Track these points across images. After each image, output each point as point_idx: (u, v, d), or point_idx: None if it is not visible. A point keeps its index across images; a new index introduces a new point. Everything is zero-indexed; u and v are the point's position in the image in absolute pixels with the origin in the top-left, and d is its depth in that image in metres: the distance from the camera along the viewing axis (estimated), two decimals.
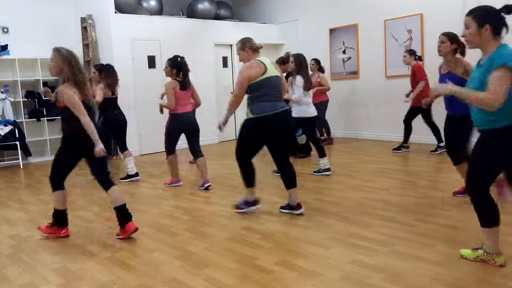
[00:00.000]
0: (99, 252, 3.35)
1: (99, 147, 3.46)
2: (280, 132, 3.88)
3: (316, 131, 5.73)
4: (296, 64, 5.40)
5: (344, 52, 9.00)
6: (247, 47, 3.93)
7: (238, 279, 2.76)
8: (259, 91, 3.79)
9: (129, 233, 3.60)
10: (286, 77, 6.01)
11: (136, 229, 3.61)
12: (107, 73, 5.76)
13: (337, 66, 9.12)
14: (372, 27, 8.39)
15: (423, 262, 2.86)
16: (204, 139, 7.34)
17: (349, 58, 8.93)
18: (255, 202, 4.15)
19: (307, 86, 5.43)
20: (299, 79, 5.38)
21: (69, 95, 3.39)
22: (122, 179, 5.96)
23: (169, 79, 5.24)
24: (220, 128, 4.19)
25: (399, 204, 4.19)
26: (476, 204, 2.72)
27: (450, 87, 2.67)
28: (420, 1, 7.54)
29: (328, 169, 5.61)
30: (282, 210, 4.09)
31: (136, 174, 5.99)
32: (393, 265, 2.84)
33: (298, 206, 4.00)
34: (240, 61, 4.07)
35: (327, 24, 9.19)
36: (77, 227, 3.98)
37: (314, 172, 5.70)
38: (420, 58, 6.83)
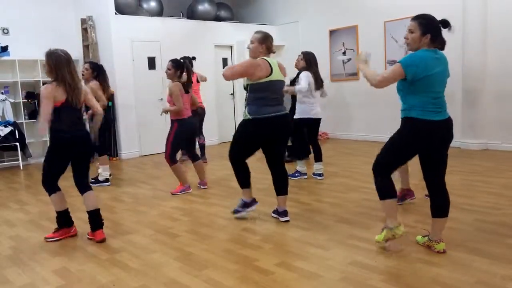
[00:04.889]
0: (98, 253, 3.35)
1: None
2: (277, 135, 3.81)
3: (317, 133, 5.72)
4: (305, 61, 5.44)
5: (344, 53, 9.01)
6: (265, 45, 3.76)
7: (238, 280, 2.76)
8: (261, 93, 3.69)
9: (96, 240, 3.57)
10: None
11: (103, 240, 3.57)
12: (99, 73, 5.62)
13: (337, 68, 9.13)
14: (372, 28, 8.40)
15: (423, 263, 2.86)
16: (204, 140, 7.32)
17: (349, 60, 8.94)
18: (252, 203, 4.05)
19: (318, 84, 5.41)
20: (304, 74, 5.34)
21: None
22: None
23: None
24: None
25: (399, 205, 4.18)
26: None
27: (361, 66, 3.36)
28: (419, 3, 7.54)
29: (320, 174, 5.55)
30: (273, 215, 4.04)
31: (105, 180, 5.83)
32: (393, 267, 2.84)
33: (284, 214, 3.92)
34: (250, 53, 3.81)
35: (327, 26, 9.20)
36: (77, 228, 3.97)
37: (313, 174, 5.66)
38: None
